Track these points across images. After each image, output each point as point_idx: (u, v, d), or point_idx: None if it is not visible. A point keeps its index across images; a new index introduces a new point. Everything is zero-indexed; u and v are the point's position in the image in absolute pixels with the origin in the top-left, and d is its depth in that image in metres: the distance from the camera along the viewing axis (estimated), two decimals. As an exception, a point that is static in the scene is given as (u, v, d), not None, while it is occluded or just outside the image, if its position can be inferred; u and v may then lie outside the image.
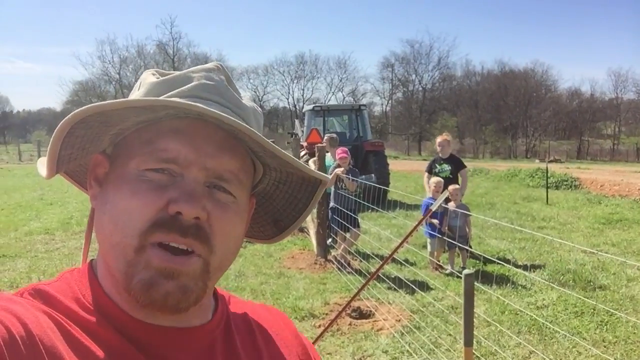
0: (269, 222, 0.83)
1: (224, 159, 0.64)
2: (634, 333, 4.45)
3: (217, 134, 0.63)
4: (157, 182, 0.61)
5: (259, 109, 0.74)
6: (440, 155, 7.45)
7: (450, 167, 7.26)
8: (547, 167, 14.52)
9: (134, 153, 0.63)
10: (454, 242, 5.93)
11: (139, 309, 0.62)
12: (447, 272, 6.28)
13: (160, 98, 0.62)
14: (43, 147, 36.40)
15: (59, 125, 0.57)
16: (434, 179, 6.88)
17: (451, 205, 6.39)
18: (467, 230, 6.67)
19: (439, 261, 6.63)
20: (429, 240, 6.76)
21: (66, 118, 0.56)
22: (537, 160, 31.89)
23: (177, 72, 0.68)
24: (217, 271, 0.65)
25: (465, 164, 7.59)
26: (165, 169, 0.62)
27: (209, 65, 0.70)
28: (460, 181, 7.23)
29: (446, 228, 6.47)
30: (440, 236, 6.42)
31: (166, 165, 0.62)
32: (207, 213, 0.61)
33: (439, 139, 7.59)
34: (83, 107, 0.56)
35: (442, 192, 6.69)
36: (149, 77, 0.68)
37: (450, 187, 6.40)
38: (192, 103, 0.58)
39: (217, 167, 0.63)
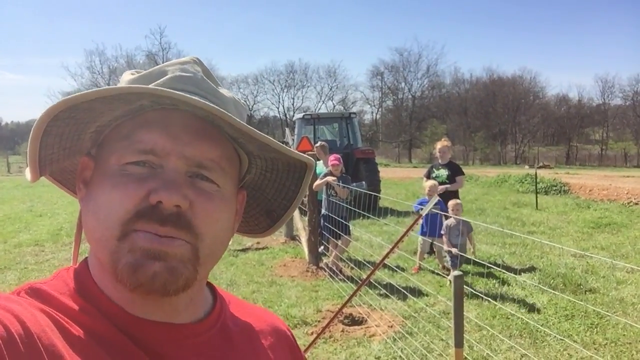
0: (263, 214, 0.83)
1: (203, 146, 0.64)
2: (624, 335, 4.49)
3: (193, 122, 0.63)
4: (137, 175, 0.61)
5: (241, 100, 0.74)
6: (439, 161, 7.45)
7: (447, 173, 7.26)
8: (536, 173, 14.64)
9: (113, 149, 0.64)
10: (459, 252, 5.77)
11: (131, 301, 0.62)
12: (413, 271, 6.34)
13: (129, 85, 0.61)
14: (32, 158, 35.97)
15: (35, 124, 0.57)
16: (428, 182, 6.92)
17: (451, 222, 6.11)
18: (470, 246, 6.45)
19: (421, 261, 6.76)
20: (420, 239, 6.80)
21: (40, 116, 0.56)
22: (526, 166, 32.13)
23: (153, 68, 0.69)
24: (207, 258, 0.65)
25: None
26: (145, 161, 0.62)
27: (185, 58, 0.70)
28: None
29: (448, 246, 6.09)
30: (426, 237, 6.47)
31: (145, 157, 0.62)
32: (189, 202, 0.61)
33: (439, 145, 7.54)
34: (55, 103, 0.56)
35: (434, 196, 6.77)
36: (126, 76, 0.69)
37: (451, 203, 6.26)
38: (163, 88, 0.58)
39: (196, 155, 0.63)
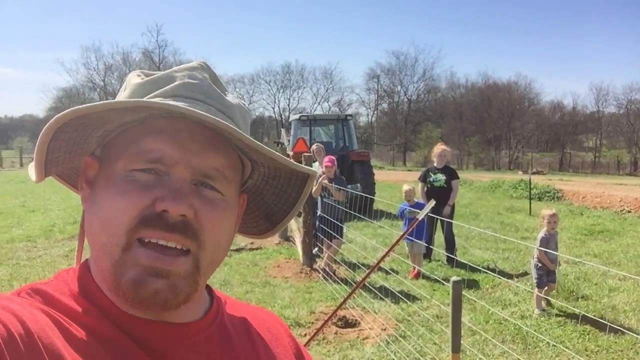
0: (262, 217, 0.84)
1: (209, 156, 0.64)
2: (616, 342, 4.51)
3: (201, 132, 0.64)
4: (143, 182, 0.62)
5: (246, 106, 0.75)
6: (435, 165, 7.50)
7: (444, 177, 7.34)
8: (530, 179, 14.70)
9: (120, 154, 0.64)
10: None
11: (131, 307, 0.63)
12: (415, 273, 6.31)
13: (141, 99, 0.63)
14: (25, 153, 35.86)
15: (43, 130, 0.58)
16: (405, 187, 6.92)
17: (546, 234, 5.33)
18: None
19: (415, 265, 6.65)
20: (406, 243, 6.63)
21: (49, 123, 0.57)
22: (520, 172, 32.22)
23: (161, 72, 0.69)
24: (208, 268, 0.66)
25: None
26: (152, 169, 0.62)
27: (193, 64, 0.71)
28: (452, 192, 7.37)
29: (546, 262, 5.28)
30: (417, 241, 6.36)
31: (152, 165, 0.62)
32: (194, 211, 0.62)
33: (438, 149, 7.58)
34: (65, 111, 0.56)
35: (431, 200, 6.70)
36: (133, 78, 0.69)
37: (547, 212, 5.41)
38: (173, 103, 0.59)
39: (202, 165, 0.64)
